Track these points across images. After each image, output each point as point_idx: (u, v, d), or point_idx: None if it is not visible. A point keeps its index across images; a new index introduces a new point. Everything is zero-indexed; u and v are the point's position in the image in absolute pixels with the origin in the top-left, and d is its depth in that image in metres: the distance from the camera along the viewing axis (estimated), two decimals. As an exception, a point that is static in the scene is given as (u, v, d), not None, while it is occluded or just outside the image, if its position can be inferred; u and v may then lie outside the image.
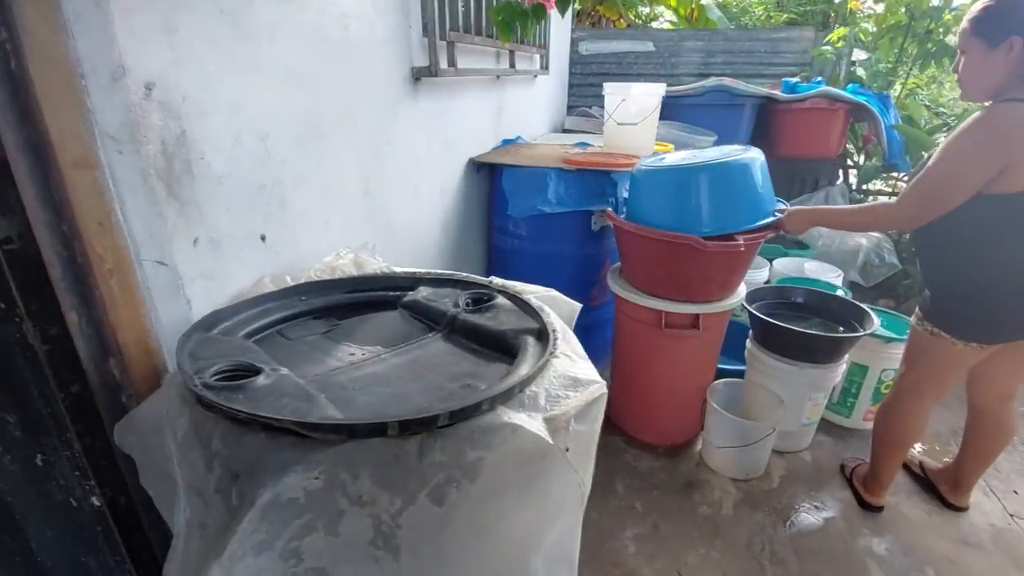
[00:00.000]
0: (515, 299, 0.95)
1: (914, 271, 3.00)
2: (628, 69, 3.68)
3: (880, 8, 3.47)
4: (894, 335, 1.87)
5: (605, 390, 0.72)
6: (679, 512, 1.66)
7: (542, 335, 0.83)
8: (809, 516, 1.66)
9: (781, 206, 1.65)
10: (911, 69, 3.39)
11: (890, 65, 3.39)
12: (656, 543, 1.55)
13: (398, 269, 1.12)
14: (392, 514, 0.61)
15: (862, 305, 1.83)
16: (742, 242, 1.47)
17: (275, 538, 0.59)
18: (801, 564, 1.50)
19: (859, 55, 3.61)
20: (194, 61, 0.85)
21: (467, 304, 0.95)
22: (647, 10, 5.33)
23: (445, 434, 0.62)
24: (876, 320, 1.75)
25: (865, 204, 1.52)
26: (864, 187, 3.60)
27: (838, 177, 3.29)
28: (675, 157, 1.71)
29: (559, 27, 3.23)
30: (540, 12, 1.28)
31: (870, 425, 2.00)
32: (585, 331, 2.09)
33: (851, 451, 1.94)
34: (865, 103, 2.76)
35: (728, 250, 1.47)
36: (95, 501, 0.90)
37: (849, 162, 3.51)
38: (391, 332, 0.94)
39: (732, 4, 5.49)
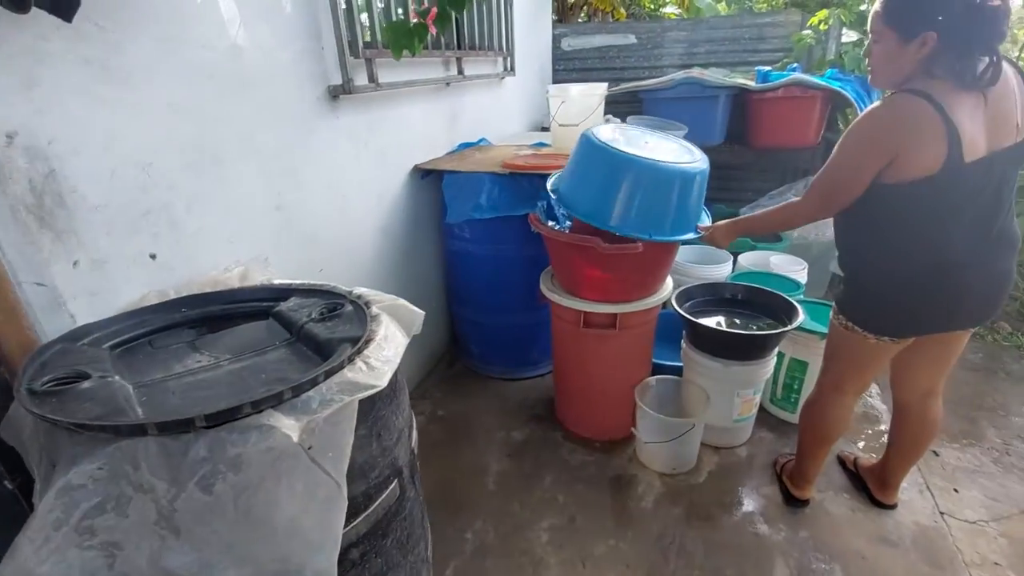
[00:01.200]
0: (359, 309, 1.04)
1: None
2: (611, 63, 3.68)
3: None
4: (820, 330, 1.85)
5: (377, 391, 0.80)
6: (598, 505, 1.72)
7: (357, 342, 0.91)
8: (728, 510, 1.68)
9: (705, 222, 1.66)
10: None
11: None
12: (568, 534, 1.62)
13: (279, 281, 1.23)
14: (169, 499, 0.71)
15: (791, 300, 1.82)
16: (640, 245, 1.50)
17: (68, 516, 0.70)
18: (707, 557, 1.53)
19: (850, 36, 3.48)
20: (59, 108, 0.97)
21: (320, 314, 1.05)
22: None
23: (208, 433, 0.72)
24: (801, 315, 1.74)
25: (781, 203, 1.52)
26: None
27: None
28: (630, 141, 1.71)
29: (533, 27, 3.27)
30: (423, 31, 1.35)
31: (814, 420, 2.00)
32: (537, 328, 2.18)
33: (791, 446, 1.94)
34: (839, 89, 2.68)
35: (624, 252, 1.50)
36: (8, 484, 1.05)
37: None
38: (249, 341, 1.04)
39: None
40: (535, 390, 2.31)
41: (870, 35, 1.24)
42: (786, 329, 1.70)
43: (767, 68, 2.91)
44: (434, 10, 1.30)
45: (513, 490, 1.78)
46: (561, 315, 1.83)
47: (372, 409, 0.89)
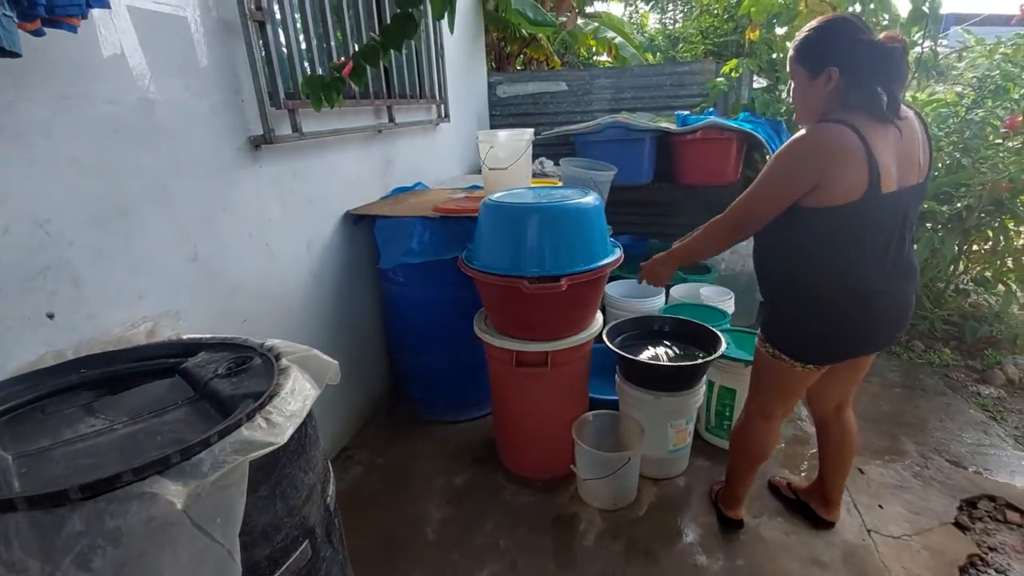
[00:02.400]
0: (267, 362, 1.02)
1: (820, 287, 3.07)
2: (545, 108, 3.83)
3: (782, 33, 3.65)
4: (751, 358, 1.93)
5: (275, 448, 0.78)
6: (540, 548, 1.69)
7: (260, 397, 0.89)
8: (668, 544, 1.69)
9: (616, 254, 1.73)
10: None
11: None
12: (508, 581, 1.58)
13: (189, 336, 1.19)
14: (43, 581, 0.66)
15: (714, 330, 1.90)
16: (563, 283, 1.54)
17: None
18: (646, 593, 1.53)
19: (760, 82, 3.78)
20: (-61, 166, 0.93)
21: (227, 369, 1.02)
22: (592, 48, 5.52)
23: (85, 505, 0.67)
24: (723, 344, 1.81)
25: (704, 225, 1.58)
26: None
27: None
28: (518, 194, 1.79)
29: (467, 75, 3.38)
30: (340, 84, 1.38)
31: (748, 446, 2.05)
32: (477, 370, 2.18)
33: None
34: (750, 131, 2.88)
35: (548, 291, 1.54)
36: None
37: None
38: (150, 401, 0.99)
39: (659, 37, 5.73)
40: (477, 432, 2.28)
41: (789, 78, 1.35)
42: (708, 359, 1.76)
43: (686, 112, 3.10)
44: (350, 64, 1.34)
45: (453, 539, 1.73)
46: (495, 355, 1.84)
47: (275, 467, 0.86)
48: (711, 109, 3.21)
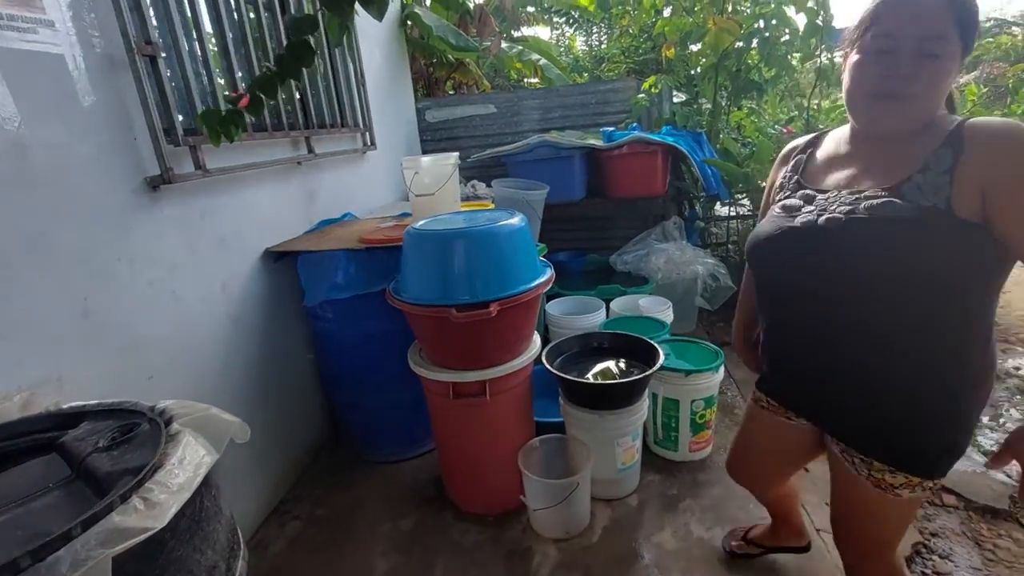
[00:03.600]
0: (155, 428, 0.91)
1: (753, 289, 3.17)
2: (475, 131, 3.82)
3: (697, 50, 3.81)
4: (691, 367, 1.94)
5: (151, 533, 0.68)
6: (493, 588, 1.61)
7: (140, 471, 0.78)
8: (623, 569, 1.64)
9: (546, 274, 1.71)
10: (729, 105, 3.70)
11: (709, 104, 3.70)
12: (461, 630, 1.49)
13: (72, 404, 1.06)
14: None
15: (651, 342, 1.90)
16: (493, 309, 1.49)
17: None
18: (605, 625, 1.47)
19: (680, 96, 3.93)
20: None
21: (111, 440, 0.90)
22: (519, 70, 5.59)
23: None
24: (660, 357, 1.81)
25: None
26: (711, 213, 3.84)
27: (673, 211, 3.48)
28: (443, 220, 1.74)
29: (392, 101, 3.33)
30: (238, 117, 1.30)
31: (697, 455, 2.05)
32: (419, 404, 2.08)
33: (678, 486, 1.97)
34: (672, 144, 2.96)
35: (478, 319, 1.49)
36: None
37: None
38: (20, 484, 0.86)
39: (585, 58, 5.91)
40: (424, 469, 2.18)
41: (921, 45, 0.90)
42: (644, 375, 1.74)
43: (611, 128, 3.16)
44: (246, 96, 1.26)
45: (399, 590, 1.62)
46: (432, 388, 1.76)
47: (160, 552, 0.75)
48: (635, 124, 3.29)
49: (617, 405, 1.76)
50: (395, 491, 2.06)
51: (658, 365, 1.77)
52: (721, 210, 3.86)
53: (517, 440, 1.84)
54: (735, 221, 3.70)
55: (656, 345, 1.87)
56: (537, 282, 1.63)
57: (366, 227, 2.30)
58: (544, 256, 2.58)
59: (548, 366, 1.80)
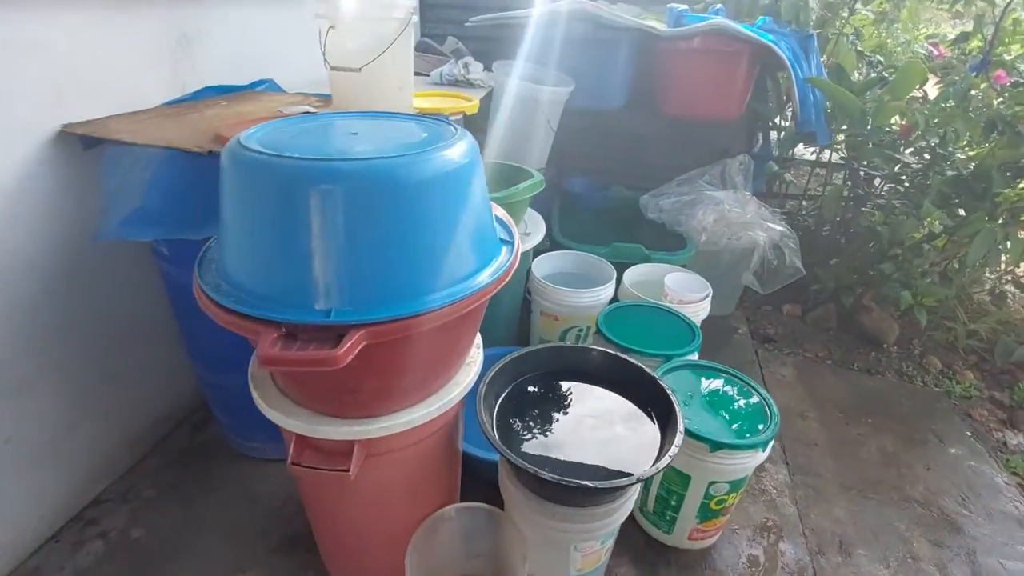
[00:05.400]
0: None
1: (825, 275, 2.32)
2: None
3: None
4: (724, 437, 1.18)
5: None
6: None
7: None
8: None
9: (500, 261, 0.90)
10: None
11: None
12: None
13: None
14: None
15: (669, 393, 1.12)
16: (344, 350, 0.71)
17: None
18: None
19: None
20: None
21: None
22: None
23: None
24: (679, 421, 1.04)
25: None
26: (788, 155, 2.85)
27: (743, 145, 2.50)
28: (316, 128, 0.90)
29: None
30: None
31: (698, 544, 1.38)
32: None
33: (663, 590, 1.31)
34: (770, 45, 1.94)
35: (314, 362, 0.71)
36: None
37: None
38: None
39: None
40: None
41: None
42: (635, 480, 0.98)
43: (682, 7, 2.11)
44: None
45: None
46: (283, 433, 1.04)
47: None
48: (719, 7, 2.21)
49: (587, 503, 1.04)
50: (252, 512, 1.43)
51: (674, 446, 1.01)
52: (806, 152, 2.86)
53: (420, 510, 1.15)
54: (821, 171, 2.71)
55: (674, 400, 1.10)
56: (468, 292, 0.83)
57: (265, 108, 1.47)
58: (548, 185, 1.74)
59: (485, 420, 1.05)
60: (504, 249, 0.95)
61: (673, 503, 1.32)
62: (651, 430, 1.12)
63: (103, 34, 1.28)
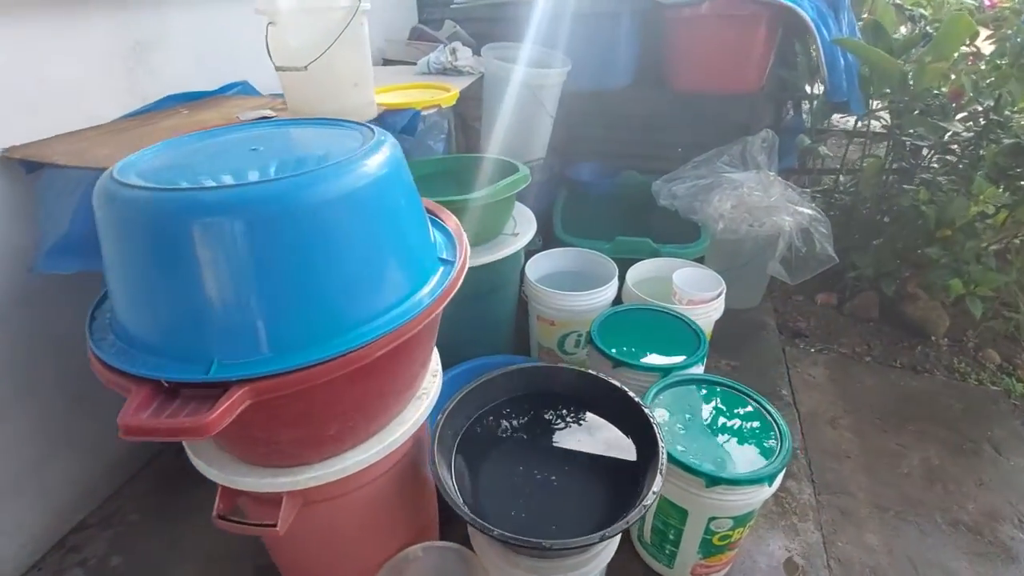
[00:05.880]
0: None
1: (863, 261, 2.08)
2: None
3: None
4: (723, 474, 1.03)
5: None
6: None
7: None
8: None
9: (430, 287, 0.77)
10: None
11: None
12: None
13: None
14: None
15: (653, 424, 0.97)
16: (217, 413, 0.60)
17: None
18: None
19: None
20: None
21: None
22: None
23: None
24: (660, 471, 0.90)
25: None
26: (823, 127, 2.59)
27: (770, 117, 2.26)
28: (208, 146, 0.80)
29: None
30: None
31: (696, 591, 1.23)
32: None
33: (659, 634, 1.18)
34: (790, 4, 1.71)
35: (187, 429, 0.61)
36: None
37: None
38: None
39: None
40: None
41: None
42: (596, 541, 0.83)
43: (690, -32, 1.89)
44: None
45: None
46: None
47: None
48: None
49: (549, 556, 0.92)
50: (227, 541, 1.37)
51: (654, 490, 0.87)
52: (842, 122, 2.58)
53: (383, 551, 1.06)
54: (861, 142, 2.43)
55: (657, 433, 0.95)
56: (377, 333, 0.70)
57: (222, 115, 1.38)
58: (552, 175, 1.59)
59: (438, 470, 0.93)
60: (441, 271, 0.83)
61: (671, 537, 1.18)
62: (631, 466, 0.99)
63: (45, 47, 1.21)
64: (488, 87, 1.98)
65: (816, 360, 1.97)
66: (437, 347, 1.72)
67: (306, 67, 1.15)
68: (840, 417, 1.72)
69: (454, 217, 1.00)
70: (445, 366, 1.47)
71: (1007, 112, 1.80)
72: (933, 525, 1.40)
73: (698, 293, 1.62)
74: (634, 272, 1.75)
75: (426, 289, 0.78)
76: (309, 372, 0.65)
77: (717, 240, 2.02)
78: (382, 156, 0.74)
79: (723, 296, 1.63)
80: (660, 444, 0.94)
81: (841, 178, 2.49)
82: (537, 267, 1.77)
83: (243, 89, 1.70)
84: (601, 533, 0.80)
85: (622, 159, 2.41)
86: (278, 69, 1.19)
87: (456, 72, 1.95)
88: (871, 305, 2.19)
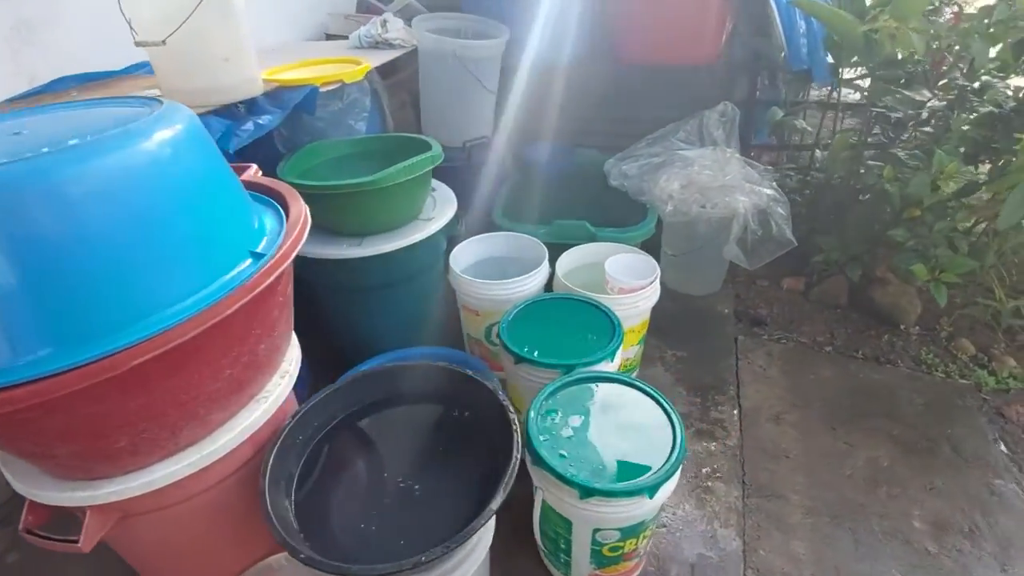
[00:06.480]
0: None
1: (829, 243, 1.94)
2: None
3: None
4: (597, 484, 0.94)
5: None
6: None
7: None
8: None
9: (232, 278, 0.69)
10: None
11: None
12: None
13: None
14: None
15: (513, 425, 0.89)
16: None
17: None
18: None
19: None
20: None
21: None
22: None
23: None
24: (512, 459, 0.81)
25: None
26: (800, 98, 2.43)
27: (744, 89, 2.10)
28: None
29: None
30: None
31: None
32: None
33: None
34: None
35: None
36: None
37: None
38: None
39: None
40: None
41: None
42: (409, 568, 0.74)
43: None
44: None
45: None
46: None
47: None
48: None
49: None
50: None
51: (496, 500, 0.79)
52: (823, 94, 2.41)
53: (239, 561, 1.00)
54: (832, 114, 2.25)
55: (513, 426, 0.87)
56: (136, 338, 0.62)
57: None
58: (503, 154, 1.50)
59: (265, 498, 0.85)
60: (243, 265, 0.74)
61: (563, 546, 1.10)
62: (498, 475, 0.90)
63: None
64: (423, 61, 1.87)
65: (771, 350, 1.85)
66: (344, 338, 1.64)
67: (164, 41, 1.07)
68: (786, 412, 1.61)
69: (302, 203, 0.91)
70: (355, 360, 1.40)
71: (985, 78, 1.63)
72: (869, 533, 1.30)
73: (629, 281, 1.51)
74: (567, 259, 1.64)
75: (206, 290, 0.69)
76: (39, 387, 0.58)
77: (670, 223, 1.91)
78: (177, 130, 0.65)
79: (656, 283, 1.52)
80: (514, 454, 0.85)
81: (817, 154, 2.32)
82: (465, 254, 1.68)
83: (151, 69, 1.62)
84: (416, 559, 0.72)
85: (582, 136, 2.28)
86: (137, 44, 1.11)
87: (388, 45, 1.85)
88: (839, 291, 2.05)
